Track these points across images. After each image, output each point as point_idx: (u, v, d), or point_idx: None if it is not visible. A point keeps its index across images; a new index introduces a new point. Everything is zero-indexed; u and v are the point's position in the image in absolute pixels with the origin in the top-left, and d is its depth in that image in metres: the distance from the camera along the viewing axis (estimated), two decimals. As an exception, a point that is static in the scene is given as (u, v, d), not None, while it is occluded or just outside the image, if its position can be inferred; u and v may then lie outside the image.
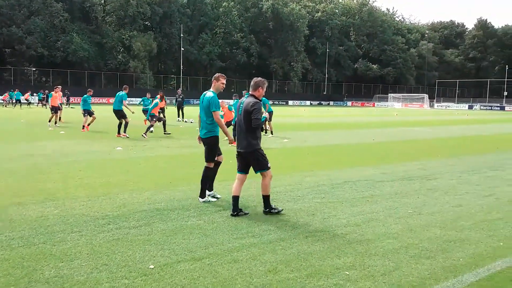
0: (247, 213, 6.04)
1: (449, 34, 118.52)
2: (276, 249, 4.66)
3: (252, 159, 5.95)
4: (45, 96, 43.74)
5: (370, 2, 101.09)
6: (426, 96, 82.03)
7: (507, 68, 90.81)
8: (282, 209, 6.20)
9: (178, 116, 25.57)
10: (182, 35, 72.38)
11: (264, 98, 18.44)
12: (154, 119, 17.57)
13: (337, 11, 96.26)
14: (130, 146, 13.39)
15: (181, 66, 73.37)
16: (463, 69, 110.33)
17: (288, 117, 35.38)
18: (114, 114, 16.53)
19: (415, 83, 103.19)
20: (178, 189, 7.51)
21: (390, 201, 6.98)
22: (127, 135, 16.07)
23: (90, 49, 65.92)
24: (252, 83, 6.04)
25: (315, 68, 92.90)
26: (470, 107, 78.06)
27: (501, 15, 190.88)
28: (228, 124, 14.35)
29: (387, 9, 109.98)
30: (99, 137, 15.68)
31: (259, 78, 6.10)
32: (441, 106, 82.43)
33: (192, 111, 35.15)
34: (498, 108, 75.47)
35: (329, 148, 14.08)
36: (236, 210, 5.95)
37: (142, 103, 22.03)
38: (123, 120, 16.26)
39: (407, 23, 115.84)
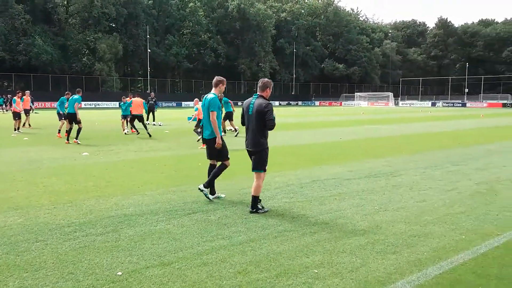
0: (267, 210, 6.26)
1: (411, 33, 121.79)
2: (246, 250, 4.68)
3: (257, 157, 6.20)
4: (6, 101, 42.33)
5: (335, 2, 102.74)
6: (391, 94, 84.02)
7: (467, 65, 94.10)
8: (268, 209, 6.30)
9: (147, 119, 25.22)
10: (148, 36, 71.44)
11: (225, 97, 18.77)
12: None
13: (303, 11, 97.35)
14: (97, 151, 13.13)
15: (148, 68, 72.43)
16: (425, 67, 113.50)
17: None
18: (68, 118, 15.76)
19: (380, 81, 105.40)
20: (147, 193, 7.42)
21: (357, 198, 7.13)
22: (79, 142, 15.18)
23: (53, 52, 64.10)
24: (260, 84, 6.22)
25: (283, 69, 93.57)
26: (433, 104, 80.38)
27: (460, 14, 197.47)
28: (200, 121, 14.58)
29: (351, 9, 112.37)
30: (64, 143, 15.28)
31: (266, 79, 6.32)
32: (406, 103, 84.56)
33: (162, 114, 34.78)
34: (460, 105, 78.01)
35: (298, 147, 14.22)
36: (254, 207, 6.20)
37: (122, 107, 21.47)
38: (76, 125, 15.44)
39: (371, 22, 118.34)
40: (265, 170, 6.24)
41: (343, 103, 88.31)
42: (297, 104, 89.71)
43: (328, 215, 6.08)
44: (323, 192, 7.61)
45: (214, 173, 6.92)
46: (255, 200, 6.20)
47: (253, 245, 4.87)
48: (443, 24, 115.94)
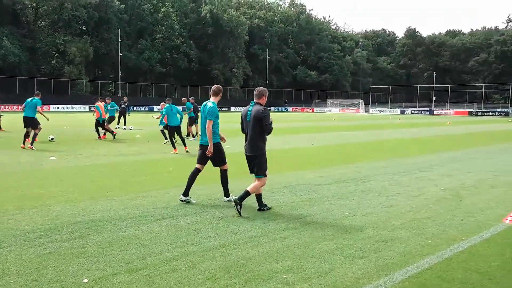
0: (270, 208, 6.76)
1: (381, 42, 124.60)
2: (216, 256, 4.66)
3: (257, 162, 6.57)
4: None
5: (307, 10, 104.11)
6: (361, 101, 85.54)
7: (435, 74, 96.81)
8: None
9: (118, 124, 24.84)
10: (120, 40, 70.49)
11: (188, 103, 18.90)
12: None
13: (276, 18, 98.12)
14: (65, 156, 12.83)
15: (120, 72, 71.36)
16: (395, 76, 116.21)
17: (229, 123, 35.46)
18: (25, 122, 14.65)
19: (351, 89, 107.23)
20: (115, 199, 7.29)
21: (327, 203, 7.20)
22: (33, 148, 14.22)
23: (21, 54, 62.37)
24: (256, 92, 6.58)
25: (256, 75, 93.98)
26: (402, 112, 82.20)
27: (428, 24, 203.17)
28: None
29: (323, 17, 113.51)
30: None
31: (261, 88, 6.67)
32: (376, 111, 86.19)
33: (134, 118, 34.27)
34: (428, 112, 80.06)
35: (269, 153, 14.20)
36: (261, 205, 6.68)
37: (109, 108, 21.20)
38: (33, 130, 14.47)
39: (342, 31, 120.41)
40: (266, 175, 6.59)
41: (315, 109, 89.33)
42: (270, 109, 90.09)
43: (298, 220, 6.12)
44: (294, 197, 7.66)
45: (223, 181, 7.29)
46: (246, 195, 6.43)
47: (223, 251, 4.85)
48: (412, 34, 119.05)
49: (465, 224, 6.08)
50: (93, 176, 9.61)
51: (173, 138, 14.62)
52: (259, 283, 3.98)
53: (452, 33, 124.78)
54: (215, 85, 7.30)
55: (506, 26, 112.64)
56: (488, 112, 75.18)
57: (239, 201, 6.35)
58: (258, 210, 6.61)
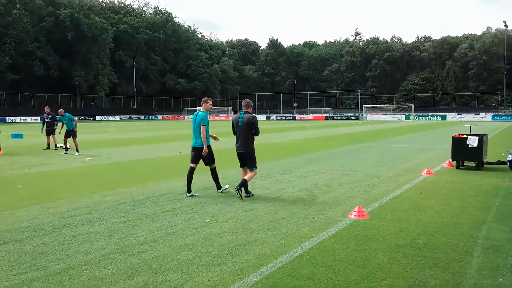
0: (253, 195, 8.42)
1: (246, 52, 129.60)
2: (63, 280, 4.29)
3: (249, 158, 8.36)
4: None
5: (173, 18, 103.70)
6: (230, 108, 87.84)
7: (295, 82, 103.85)
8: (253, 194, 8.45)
9: None
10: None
11: (67, 113, 17.46)
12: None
13: (141, 25, 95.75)
14: None
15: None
16: (260, 83, 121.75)
17: (94, 133, 33.48)
18: None
19: (220, 96, 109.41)
20: None
21: (190, 212, 7.17)
22: None
23: None
24: (244, 103, 8.39)
25: (124, 82, 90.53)
26: (268, 117, 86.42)
27: (288, 35, 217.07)
28: None
29: (188, 26, 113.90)
30: None
31: (248, 100, 8.51)
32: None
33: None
34: (291, 118, 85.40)
35: (135, 163, 13.78)
36: (247, 192, 8.29)
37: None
38: None
39: (208, 40, 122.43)
40: (256, 167, 8.42)
41: (186, 117, 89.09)
42: (139, 118, 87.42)
43: (158, 232, 5.97)
44: (157, 208, 7.48)
45: (214, 177, 8.82)
46: (246, 185, 8.19)
47: (73, 272, 4.49)
48: (274, 44, 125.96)
49: (316, 221, 6.56)
50: None
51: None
52: (110, 304, 3.76)
53: (309, 45, 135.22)
54: (205, 97, 8.86)
55: (354, 39, 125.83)
56: (342, 116, 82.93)
57: (239, 187, 8.02)
58: (246, 196, 8.18)
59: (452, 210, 7.22)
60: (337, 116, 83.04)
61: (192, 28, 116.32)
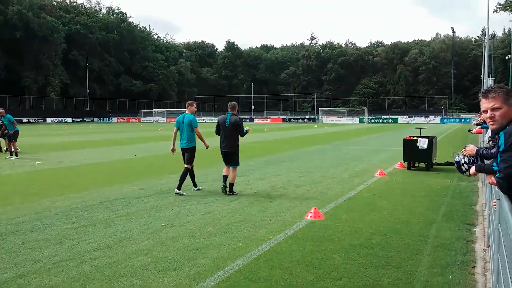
0: (237, 193, 8.97)
1: (203, 54, 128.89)
2: (9, 290, 4.08)
3: (232, 157, 8.93)
4: None
5: (127, 18, 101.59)
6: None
7: (253, 85, 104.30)
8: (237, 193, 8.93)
9: None
10: None
11: (8, 115, 16.56)
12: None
13: (95, 25, 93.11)
14: None
15: None
16: (218, 86, 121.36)
17: (44, 136, 32.20)
18: None
19: (177, 98, 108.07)
20: None
21: (145, 216, 7.02)
22: None
23: None
24: (230, 106, 9.02)
25: (76, 83, 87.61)
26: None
27: (245, 38, 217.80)
28: None
29: (143, 27, 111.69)
30: None
31: (233, 102, 9.18)
32: (202, 119, 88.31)
33: None
34: (248, 120, 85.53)
35: (87, 167, 13.36)
36: (232, 191, 8.91)
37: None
38: None
39: (165, 41, 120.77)
40: (238, 165, 9.05)
41: (141, 119, 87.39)
42: (92, 120, 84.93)
43: (112, 238, 5.81)
44: (110, 213, 7.27)
45: (191, 176, 9.27)
46: (232, 186, 8.87)
47: (21, 282, 4.29)
48: (231, 47, 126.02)
49: (273, 223, 6.59)
50: None
51: None
52: (60, 314, 3.61)
53: (266, 48, 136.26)
54: (190, 101, 9.88)
55: (310, 43, 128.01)
56: (299, 119, 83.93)
57: (233, 193, 8.82)
58: (229, 194, 8.76)
59: (404, 210, 7.46)
60: (294, 119, 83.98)
61: (148, 29, 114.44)
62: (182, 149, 9.30)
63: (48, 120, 74.97)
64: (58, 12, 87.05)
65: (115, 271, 4.58)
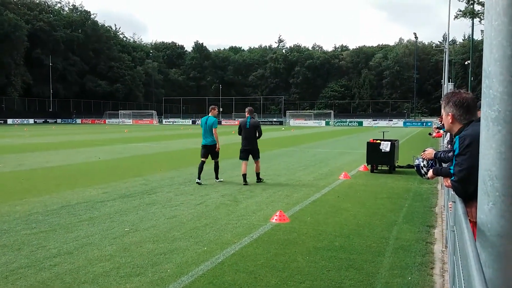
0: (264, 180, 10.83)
1: (171, 55, 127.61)
2: (-37, 300, 3.93)
3: (254, 153, 10.65)
4: None
5: (91, 17, 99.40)
6: (154, 112, 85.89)
7: (221, 87, 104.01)
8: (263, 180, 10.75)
9: None
10: None
11: None
12: None
13: (59, 23, 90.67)
14: None
15: None
16: (185, 87, 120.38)
17: (4, 137, 31.07)
18: None
19: (144, 99, 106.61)
20: None
21: (108, 221, 6.89)
22: None
23: None
24: (248, 111, 10.95)
25: (39, 83, 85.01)
26: (194, 122, 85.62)
27: (213, 39, 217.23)
28: None
29: (109, 26, 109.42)
30: None
31: (250, 107, 11.21)
32: (169, 121, 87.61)
33: None
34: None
35: (49, 170, 12.99)
36: (245, 182, 10.35)
37: None
38: None
39: (131, 41, 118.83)
40: (260, 158, 10.79)
41: (107, 120, 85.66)
42: (55, 122, 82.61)
43: (73, 243, 5.68)
44: (72, 218, 7.11)
45: (215, 168, 10.92)
46: (258, 175, 10.81)
47: (-25, 291, 4.13)
48: (199, 48, 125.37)
49: (239, 227, 6.60)
50: None
51: None
52: (16, 324, 3.50)
53: (234, 49, 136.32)
54: (212, 105, 11.58)
55: (278, 45, 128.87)
56: (266, 121, 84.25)
57: (260, 180, 10.75)
58: (257, 182, 10.70)
59: (366, 212, 7.63)
60: (261, 121, 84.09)
61: (114, 29, 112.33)
62: (204, 145, 10.78)
63: (9, 121, 72.46)
64: (21, 9, 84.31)
65: (75, 278, 4.48)
